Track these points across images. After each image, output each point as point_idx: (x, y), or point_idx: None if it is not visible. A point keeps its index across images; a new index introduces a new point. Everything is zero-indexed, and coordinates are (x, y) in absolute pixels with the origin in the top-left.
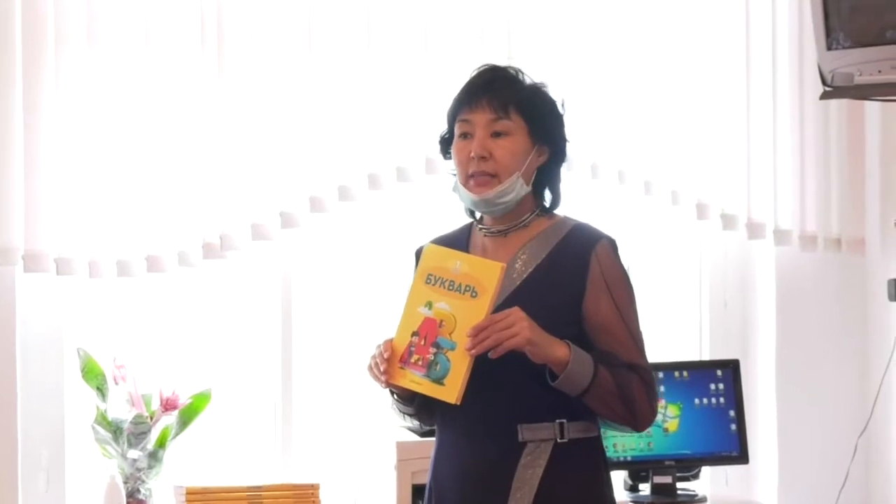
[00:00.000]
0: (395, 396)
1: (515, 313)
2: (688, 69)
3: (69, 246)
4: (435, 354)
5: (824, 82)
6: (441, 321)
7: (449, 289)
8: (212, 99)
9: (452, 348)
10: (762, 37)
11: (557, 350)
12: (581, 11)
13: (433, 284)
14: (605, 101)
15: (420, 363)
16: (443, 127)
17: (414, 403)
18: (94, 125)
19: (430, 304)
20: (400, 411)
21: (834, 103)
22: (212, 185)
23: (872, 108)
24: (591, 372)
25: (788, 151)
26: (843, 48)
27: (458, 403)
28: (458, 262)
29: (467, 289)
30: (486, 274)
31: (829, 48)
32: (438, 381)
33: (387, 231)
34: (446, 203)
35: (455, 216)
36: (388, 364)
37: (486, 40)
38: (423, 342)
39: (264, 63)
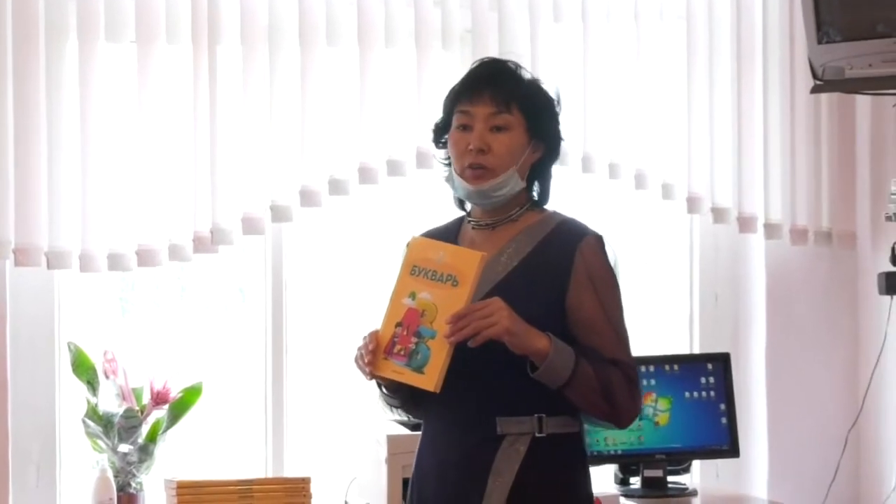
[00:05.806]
0: (382, 389)
1: (495, 303)
2: (678, 63)
3: (60, 240)
4: (416, 344)
5: (815, 76)
6: (423, 311)
7: (431, 279)
8: (202, 92)
9: (433, 337)
10: (753, 30)
11: (537, 341)
12: (571, 5)
13: (417, 275)
14: (596, 94)
15: (402, 353)
16: (435, 119)
17: (399, 395)
18: (84, 119)
19: (413, 295)
20: (387, 404)
21: (825, 97)
22: (203, 179)
23: (863, 101)
24: (572, 365)
25: (779, 145)
26: (834, 42)
27: (437, 391)
28: (441, 253)
29: (448, 278)
30: (467, 263)
31: (819, 42)
32: (419, 369)
33: (378, 225)
34: (437, 197)
35: (446, 210)
36: (373, 355)
37: (477, 34)
38: (405, 332)
39: (255, 56)
